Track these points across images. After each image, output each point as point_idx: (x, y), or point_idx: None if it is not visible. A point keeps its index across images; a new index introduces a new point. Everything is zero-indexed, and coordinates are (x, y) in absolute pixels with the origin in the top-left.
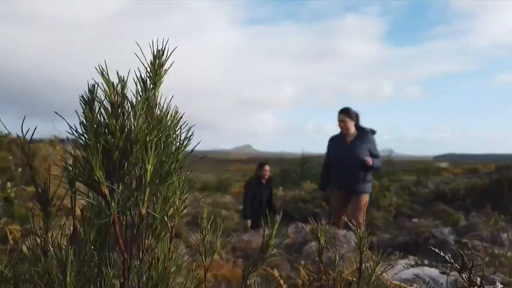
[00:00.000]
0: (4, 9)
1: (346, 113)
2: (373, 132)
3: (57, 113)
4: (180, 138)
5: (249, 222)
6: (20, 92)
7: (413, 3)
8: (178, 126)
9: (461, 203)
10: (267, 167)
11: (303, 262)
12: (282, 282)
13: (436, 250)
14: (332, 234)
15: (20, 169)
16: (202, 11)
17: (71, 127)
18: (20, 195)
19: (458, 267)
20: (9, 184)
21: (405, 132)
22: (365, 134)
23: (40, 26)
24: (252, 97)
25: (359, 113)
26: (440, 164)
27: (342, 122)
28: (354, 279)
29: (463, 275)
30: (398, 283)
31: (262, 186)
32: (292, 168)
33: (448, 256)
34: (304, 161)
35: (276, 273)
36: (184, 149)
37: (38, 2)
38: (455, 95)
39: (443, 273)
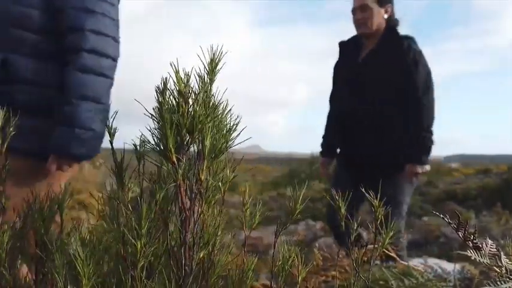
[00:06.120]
0: None
1: None
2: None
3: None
4: (229, 124)
5: None
6: None
7: (433, 3)
8: (229, 115)
9: (472, 202)
10: None
11: (316, 250)
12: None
13: (438, 214)
14: None
15: None
16: (222, 12)
17: (146, 109)
18: None
19: (455, 226)
20: None
21: None
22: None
23: None
24: (263, 97)
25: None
26: (451, 165)
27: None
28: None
29: (459, 232)
30: (406, 263)
31: None
32: (301, 168)
33: (446, 216)
34: (313, 161)
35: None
36: (232, 132)
37: None
38: (468, 95)
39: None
